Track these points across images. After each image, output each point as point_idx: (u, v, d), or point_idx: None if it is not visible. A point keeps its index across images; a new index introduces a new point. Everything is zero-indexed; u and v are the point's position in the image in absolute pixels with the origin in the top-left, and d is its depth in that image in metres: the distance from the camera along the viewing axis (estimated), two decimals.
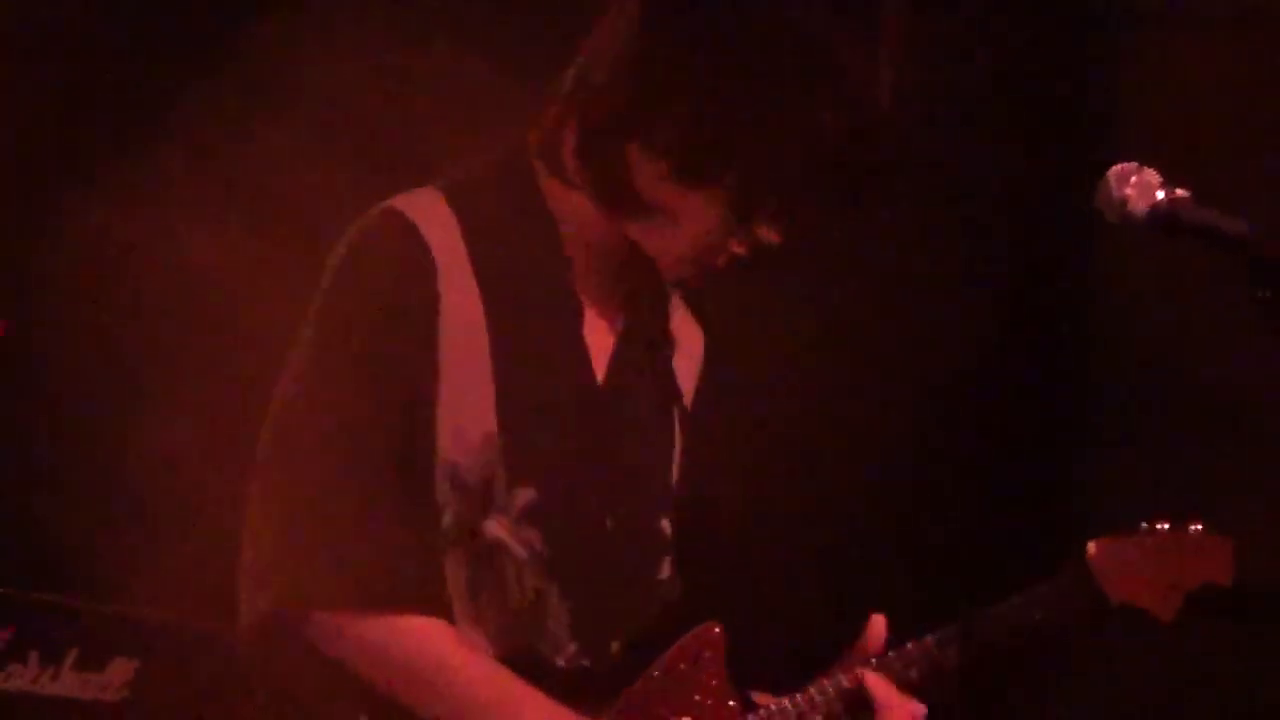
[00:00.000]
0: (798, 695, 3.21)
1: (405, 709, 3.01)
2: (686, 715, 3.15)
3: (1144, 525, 3.44)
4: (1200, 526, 3.46)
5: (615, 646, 3.19)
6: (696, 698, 3.17)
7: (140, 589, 4.68)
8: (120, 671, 4.55)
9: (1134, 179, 2.91)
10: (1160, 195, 2.88)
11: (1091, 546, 3.39)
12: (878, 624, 3.29)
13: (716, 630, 3.20)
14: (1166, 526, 3.44)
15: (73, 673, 4.52)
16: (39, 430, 4.84)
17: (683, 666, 3.18)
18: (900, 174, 4.91)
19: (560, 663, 3.14)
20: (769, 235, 3.19)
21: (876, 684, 3.20)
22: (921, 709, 3.24)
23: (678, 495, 3.29)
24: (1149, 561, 3.39)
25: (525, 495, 3.13)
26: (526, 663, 3.10)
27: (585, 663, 3.16)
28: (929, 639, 3.28)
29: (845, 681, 3.21)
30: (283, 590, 3.01)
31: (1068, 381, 5.26)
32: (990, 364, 5.14)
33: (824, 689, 3.21)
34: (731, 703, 3.19)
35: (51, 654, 4.50)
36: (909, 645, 3.28)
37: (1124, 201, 2.91)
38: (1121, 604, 3.38)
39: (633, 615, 3.22)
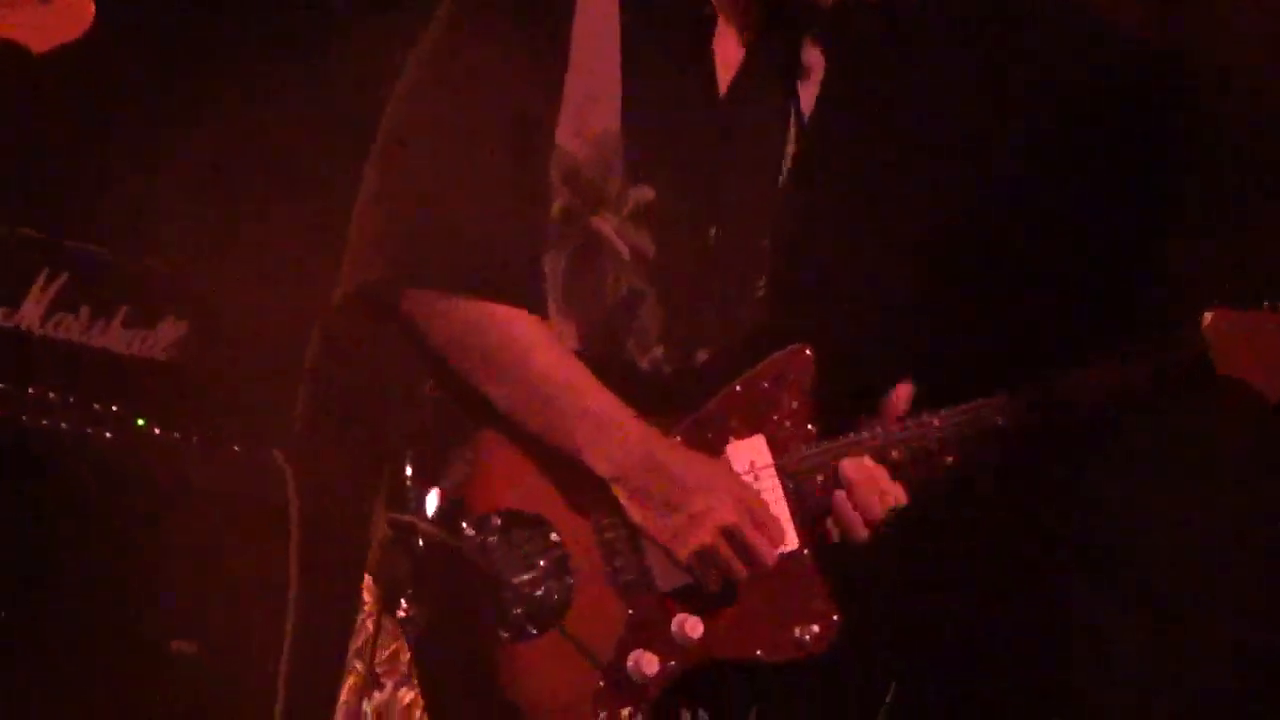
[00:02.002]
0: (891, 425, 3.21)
1: (477, 391, 3.03)
2: (760, 432, 3.17)
3: (1267, 304, 3.34)
4: None
5: (703, 356, 3.21)
6: (775, 417, 3.16)
7: (197, 252, 4.65)
8: (170, 331, 4.56)
9: None
10: None
11: (1208, 314, 3.32)
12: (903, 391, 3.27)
13: (807, 353, 3.19)
14: None
15: (122, 328, 4.52)
16: (117, 94, 4.77)
17: (765, 385, 3.17)
18: None
19: (643, 365, 3.16)
20: None
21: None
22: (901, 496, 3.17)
23: (781, 217, 3.27)
24: (1269, 339, 3.34)
25: (641, 194, 3.13)
26: (609, 359, 3.11)
27: (668, 368, 3.18)
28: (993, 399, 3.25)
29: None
30: (384, 263, 3.00)
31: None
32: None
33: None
34: (810, 426, 3.19)
35: (103, 307, 4.50)
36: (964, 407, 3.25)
37: None
38: (1227, 375, 3.30)
39: (725, 329, 3.22)
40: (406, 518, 2.92)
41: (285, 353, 4.49)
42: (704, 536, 3.03)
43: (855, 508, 3.13)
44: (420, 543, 2.90)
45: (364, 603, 3.13)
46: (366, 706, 3.08)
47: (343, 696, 3.12)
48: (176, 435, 4.56)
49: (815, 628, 3.11)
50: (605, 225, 3.12)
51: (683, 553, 3.03)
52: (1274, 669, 4.69)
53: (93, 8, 2.85)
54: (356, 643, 3.13)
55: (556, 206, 3.10)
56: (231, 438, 4.55)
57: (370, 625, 3.10)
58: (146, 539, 4.51)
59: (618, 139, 3.10)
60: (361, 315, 3.05)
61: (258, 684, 4.27)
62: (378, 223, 3.03)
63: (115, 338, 4.52)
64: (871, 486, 3.13)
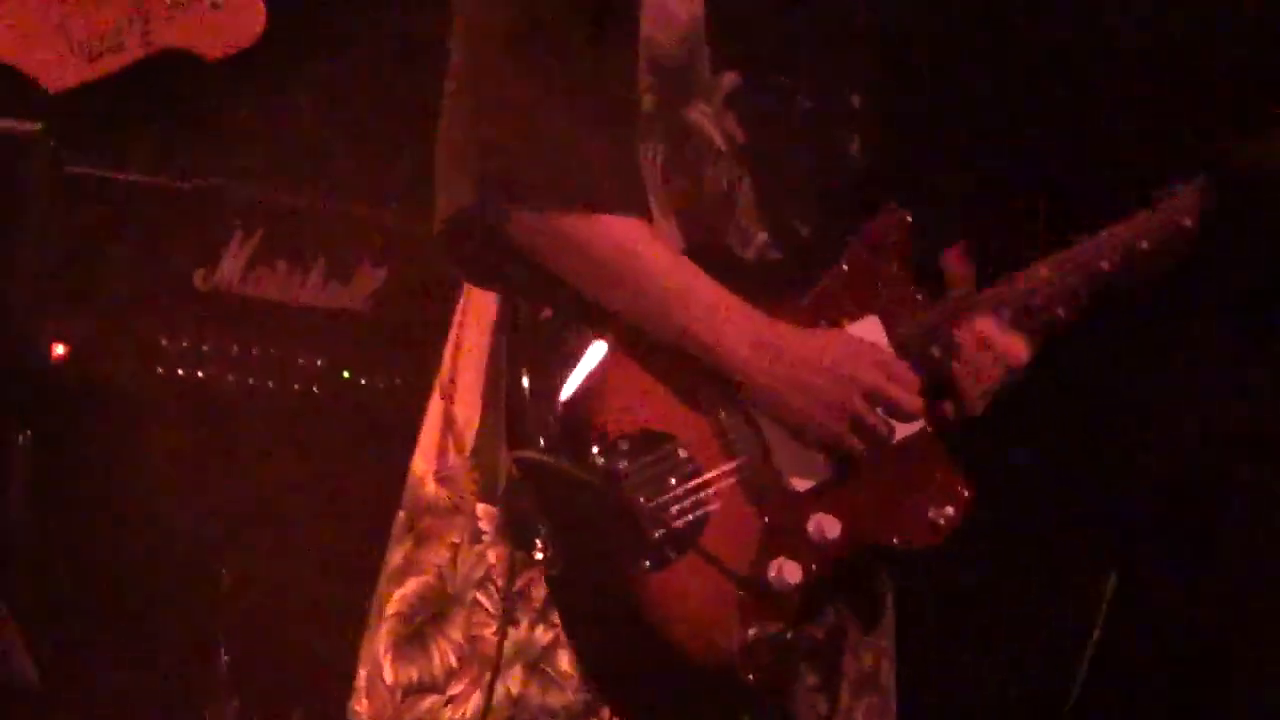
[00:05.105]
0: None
1: (593, 303, 2.90)
2: (873, 311, 2.98)
3: None
4: None
5: (805, 231, 3.05)
6: (881, 288, 2.99)
7: (388, 191, 4.58)
8: (368, 280, 4.50)
9: None
10: None
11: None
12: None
13: (899, 212, 3.01)
14: None
15: (320, 280, 4.47)
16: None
17: (866, 256, 3.00)
18: None
19: (749, 255, 3.01)
20: None
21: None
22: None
23: (871, 67, 3.10)
24: None
25: (730, 80, 2.99)
26: (714, 254, 2.97)
27: (774, 255, 3.02)
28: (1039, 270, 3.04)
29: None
30: (476, 186, 2.89)
31: None
32: None
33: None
34: (916, 292, 3.00)
35: (300, 260, 4.46)
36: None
37: None
38: None
39: (822, 195, 3.06)
40: (532, 454, 2.81)
41: None
42: (852, 405, 2.89)
43: (967, 374, 2.99)
44: (549, 479, 2.79)
45: (483, 533, 3.03)
46: (507, 645, 2.97)
47: (461, 632, 3.02)
48: (380, 385, 4.51)
49: (949, 509, 2.95)
50: (699, 116, 2.98)
51: (830, 427, 2.89)
52: None
53: (264, 14, 2.84)
54: (473, 573, 3.02)
55: (649, 99, 2.96)
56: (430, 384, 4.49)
57: (492, 556, 2.99)
58: (362, 482, 4.47)
59: (701, 24, 2.94)
60: (464, 239, 2.93)
61: None
62: (463, 144, 2.91)
63: (313, 291, 4.47)
64: (981, 345, 2.99)
